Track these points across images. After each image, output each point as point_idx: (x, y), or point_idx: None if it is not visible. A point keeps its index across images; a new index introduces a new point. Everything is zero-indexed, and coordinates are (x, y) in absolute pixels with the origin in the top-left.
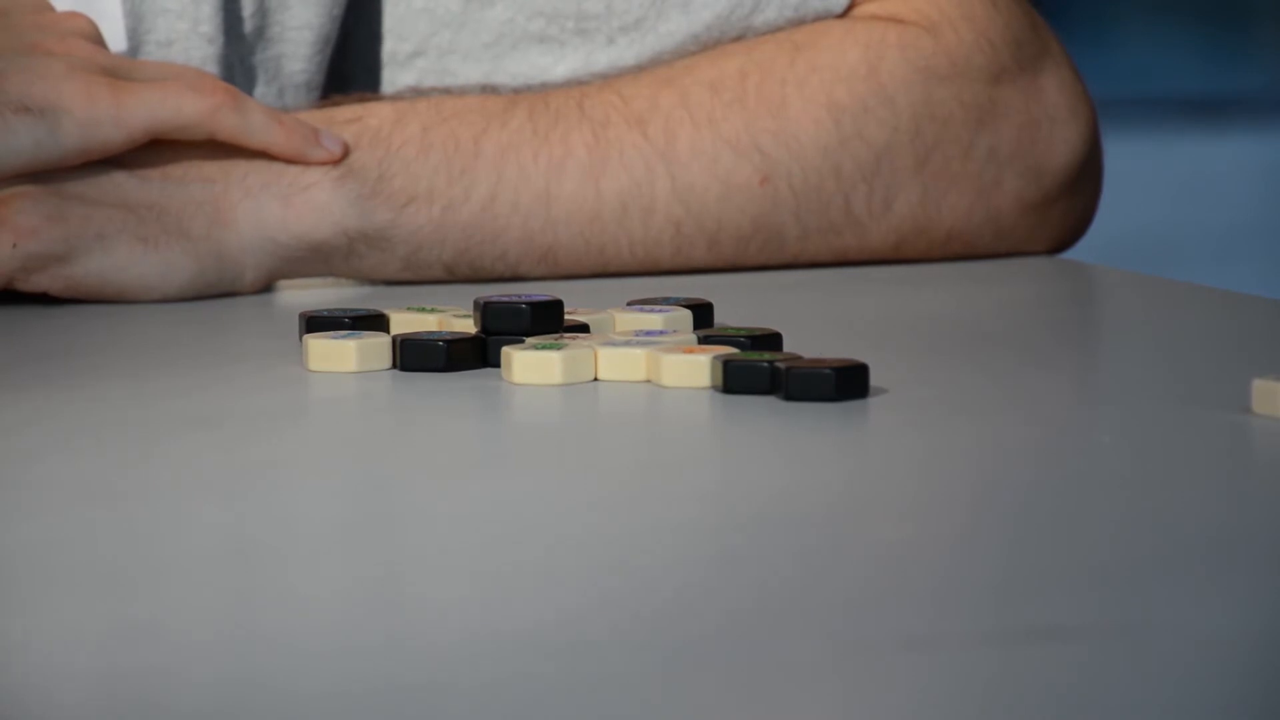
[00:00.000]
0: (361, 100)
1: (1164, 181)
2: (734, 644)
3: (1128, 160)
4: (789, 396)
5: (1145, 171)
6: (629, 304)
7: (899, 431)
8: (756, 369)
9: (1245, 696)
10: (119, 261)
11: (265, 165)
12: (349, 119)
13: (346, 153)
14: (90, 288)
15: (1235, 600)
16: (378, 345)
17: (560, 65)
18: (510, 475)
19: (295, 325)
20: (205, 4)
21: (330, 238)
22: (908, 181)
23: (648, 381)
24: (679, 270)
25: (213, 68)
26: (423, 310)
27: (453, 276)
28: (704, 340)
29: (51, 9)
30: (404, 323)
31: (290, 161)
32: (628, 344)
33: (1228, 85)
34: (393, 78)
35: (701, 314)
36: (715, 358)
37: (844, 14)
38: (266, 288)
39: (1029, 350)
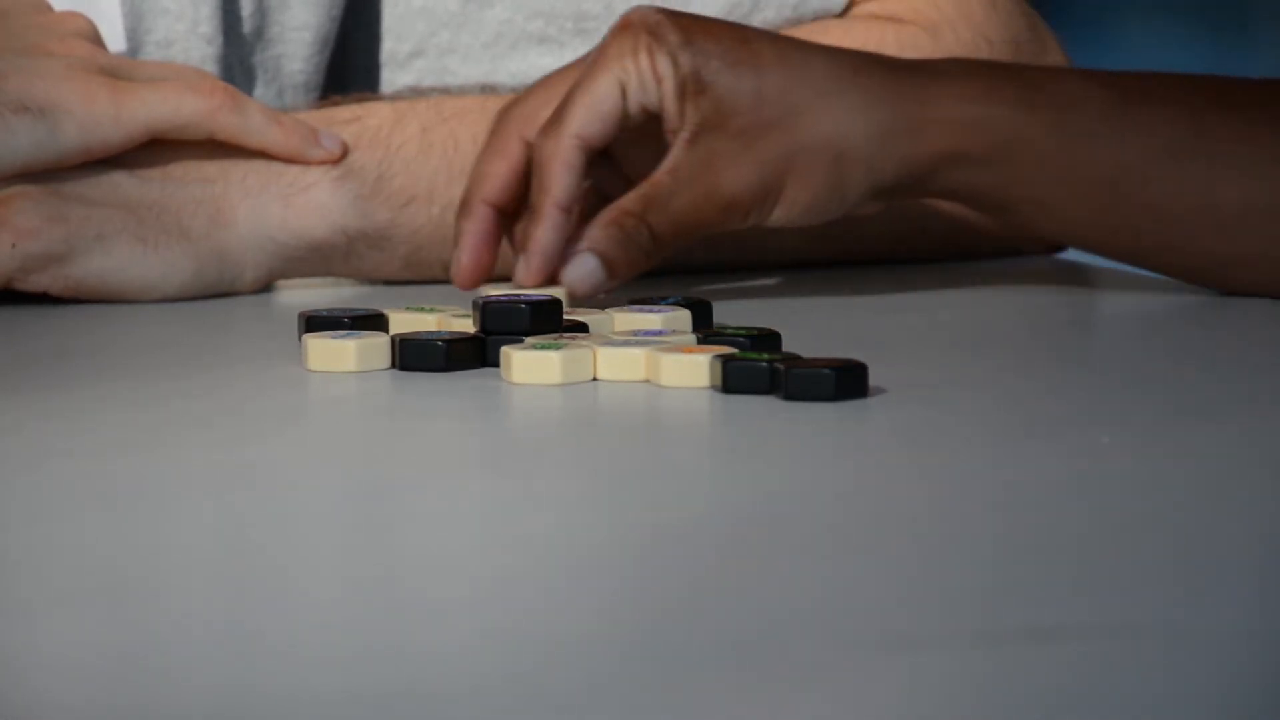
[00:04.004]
0: (361, 100)
1: None
2: (733, 644)
3: None
4: (788, 396)
5: None
6: (628, 303)
7: (899, 431)
8: (756, 369)
9: (1245, 696)
10: (119, 261)
11: (265, 165)
12: (348, 119)
13: (346, 152)
14: (90, 288)
15: (1235, 600)
16: (377, 345)
17: (559, 65)
18: (510, 475)
19: (295, 325)
20: (204, 4)
21: (330, 237)
22: None
23: (647, 381)
24: (675, 268)
25: (212, 68)
26: (422, 310)
27: None
28: (704, 340)
29: (51, 9)
30: (403, 322)
31: (290, 161)
32: (627, 344)
33: None
34: (392, 78)
35: (700, 313)
36: (715, 357)
37: (843, 13)
38: (266, 288)
39: (1028, 350)
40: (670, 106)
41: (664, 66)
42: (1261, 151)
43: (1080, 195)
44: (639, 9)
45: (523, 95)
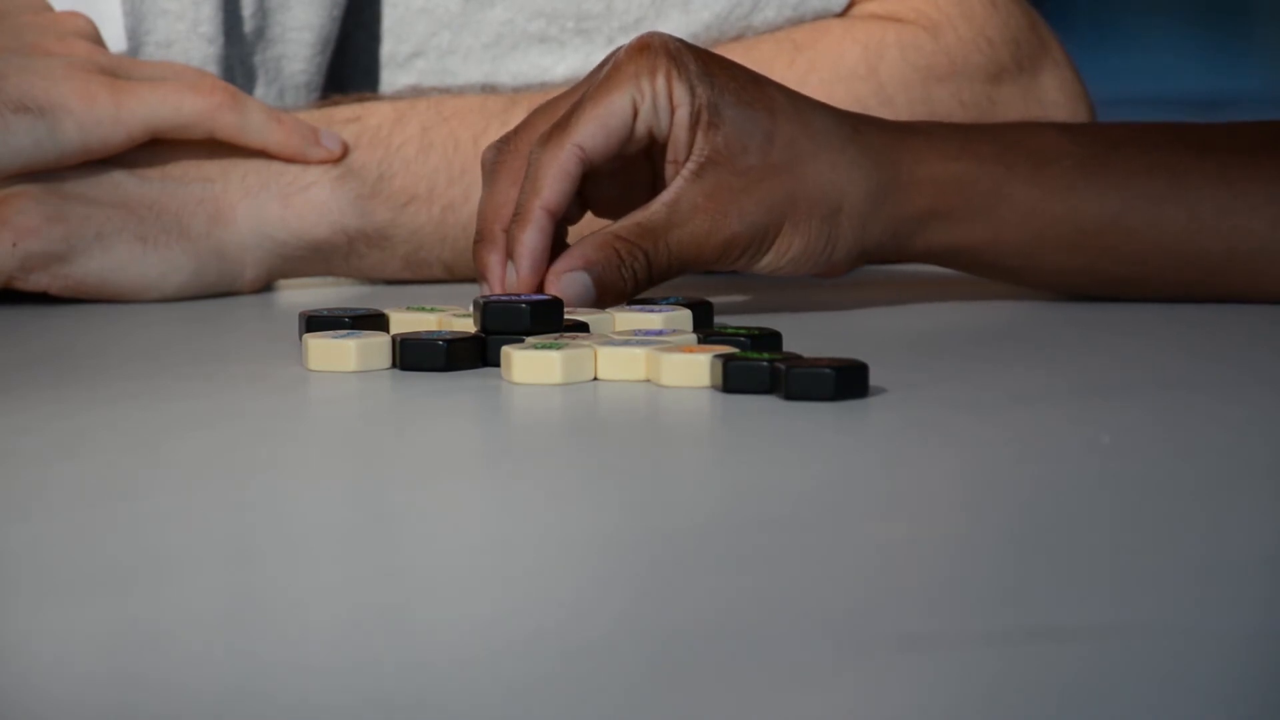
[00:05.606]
0: (361, 100)
1: None
2: (734, 644)
3: None
4: (789, 396)
5: None
6: (629, 303)
7: (899, 431)
8: (756, 368)
9: (1245, 696)
10: (118, 261)
11: (265, 164)
12: (348, 118)
13: (346, 152)
14: (90, 287)
15: (1235, 600)
16: (377, 345)
17: (560, 65)
18: (510, 475)
19: (295, 325)
20: (205, 5)
21: (330, 237)
22: None
23: (647, 381)
24: None
25: (213, 69)
26: (423, 310)
27: (453, 276)
28: (705, 339)
29: (51, 9)
30: (404, 322)
31: (290, 160)
32: (627, 343)
33: (1228, 85)
34: (392, 79)
35: (700, 313)
36: (715, 357)
37: (843, 13)
38: (266, 287)
39: (1029, 350)
40: (680, 135)
41: (681, 94)
42: (1241, 197)
43: (1064, 247)
44: (658, 34)
45: (523, 122)
